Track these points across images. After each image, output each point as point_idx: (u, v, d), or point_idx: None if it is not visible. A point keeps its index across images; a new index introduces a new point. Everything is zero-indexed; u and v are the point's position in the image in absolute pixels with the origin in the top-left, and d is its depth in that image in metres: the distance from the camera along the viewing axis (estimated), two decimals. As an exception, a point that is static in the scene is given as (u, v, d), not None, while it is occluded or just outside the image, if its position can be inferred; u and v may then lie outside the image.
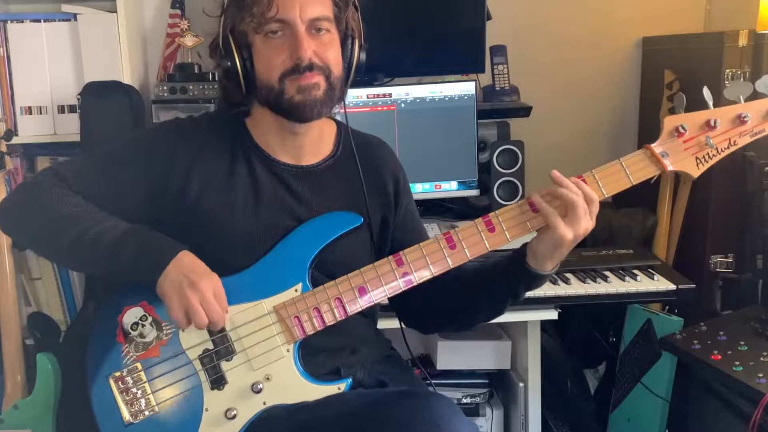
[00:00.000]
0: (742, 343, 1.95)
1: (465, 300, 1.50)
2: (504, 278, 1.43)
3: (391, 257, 1.38)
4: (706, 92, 1.40)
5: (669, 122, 1.38)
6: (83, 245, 1.33)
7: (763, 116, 1.37)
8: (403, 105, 2.32)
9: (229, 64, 1.39)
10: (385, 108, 2.33)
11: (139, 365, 1.37)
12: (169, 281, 1.29)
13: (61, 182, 1.42)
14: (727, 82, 2.19)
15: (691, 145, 1.37)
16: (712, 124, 1.36)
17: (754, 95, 1.39)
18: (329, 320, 1.36)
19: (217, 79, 1.53)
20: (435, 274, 1.38)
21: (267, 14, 1.36)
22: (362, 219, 1.43)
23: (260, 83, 1.40)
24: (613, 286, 2.02)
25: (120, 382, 1.37)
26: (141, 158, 1.44)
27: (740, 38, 2.21)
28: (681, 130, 1.37)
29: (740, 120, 1.37)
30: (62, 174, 1.43)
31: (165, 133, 1.50)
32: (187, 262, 1.31)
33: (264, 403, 1.35)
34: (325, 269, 1.41)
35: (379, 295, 1.38)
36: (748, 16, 2.24)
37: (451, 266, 1.37)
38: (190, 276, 1.29)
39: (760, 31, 2.16)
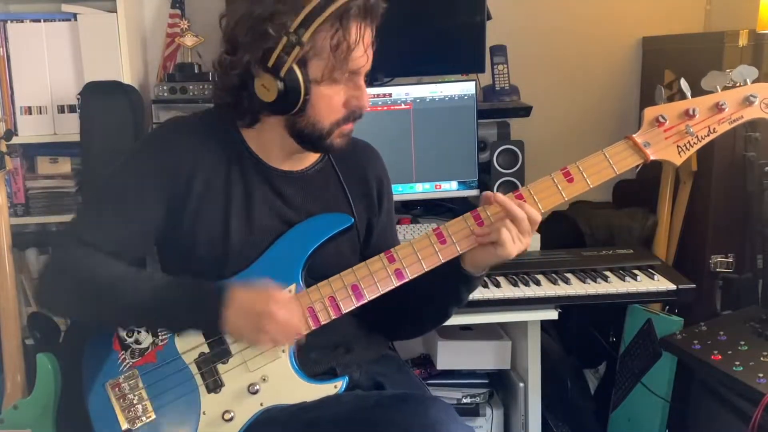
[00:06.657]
0: (742, 343, 1.95)
1: (411, 309, 1.51)
2: (445, 284, 1.45)
3: (382, 254, 1.39)
4: (684, 83, 1.43)
5: (649, 113, 1.42)
6: (131, 315, 1.37)
7: (739, 103, 1.41)
8: (403, 105, 2.32)
9: (282, 86, 1.30)
10: (399, 107, 2.32)
11: (135, 372, 1.37)
12: (238, 328, 1.32)
13: (88, 247, 1.38)
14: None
15: (671, 134, 1.41)
16: (691, 113, 1.40)
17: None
18: (323, 319, 1.37)
19: (238, 87, 1.38)
20: (427, 269, 1.38)
21: (352, 65, 1.32)
22: (353, 220, 1.44)
23: (309, 118, 1.36)
24: (613, 286, 2.02)
25: (116, 389, 1.37)
26: (150, 187, 1.41)
27: (740, 38, 2.21)
28: (661, 119, 1.40)
29: (718, 108, 1.41)
30: (84, 237, 1.39)
31: (161, 150, 1.43)
32: (238, 299, 1.31)
33: (261, 404, 1.36)
34: (316, 272, 1.41)
35: (372, 292, 1.38)
36: (748, 16, 2.24)
37: (442, 260, 1.38)
38: (253, 310, 1.30)
39: (760, 31, 2.16)
